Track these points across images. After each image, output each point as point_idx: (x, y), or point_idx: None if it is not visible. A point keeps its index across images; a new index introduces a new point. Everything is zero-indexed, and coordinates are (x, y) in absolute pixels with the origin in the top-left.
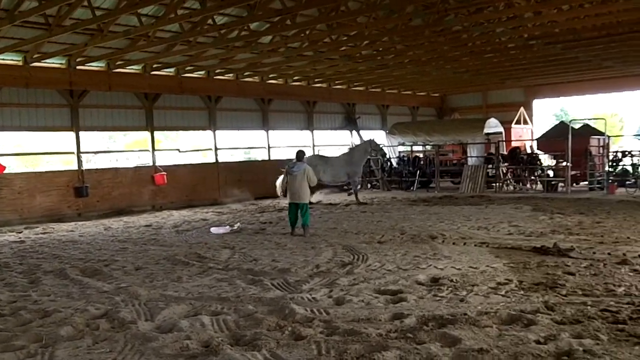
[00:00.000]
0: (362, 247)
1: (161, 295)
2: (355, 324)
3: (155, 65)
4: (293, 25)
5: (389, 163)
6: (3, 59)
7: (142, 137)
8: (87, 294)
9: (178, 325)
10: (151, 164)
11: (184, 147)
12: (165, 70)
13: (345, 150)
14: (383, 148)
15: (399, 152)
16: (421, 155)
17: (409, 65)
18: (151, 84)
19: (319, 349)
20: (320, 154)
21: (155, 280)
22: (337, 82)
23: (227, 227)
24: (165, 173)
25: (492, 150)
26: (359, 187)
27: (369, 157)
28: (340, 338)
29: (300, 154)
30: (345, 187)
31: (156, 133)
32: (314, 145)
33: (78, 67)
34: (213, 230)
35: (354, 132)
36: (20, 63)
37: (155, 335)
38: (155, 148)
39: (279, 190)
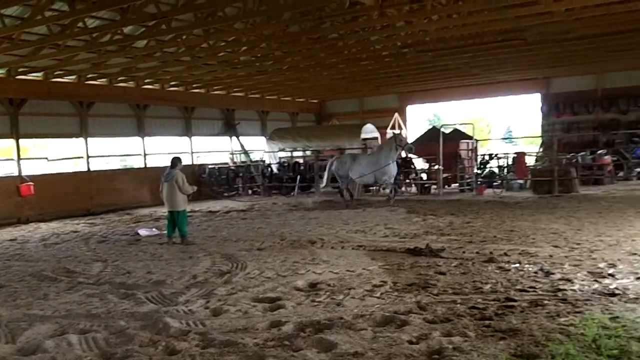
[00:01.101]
0: (241, 255)
1: (24, 315)
2: (232, 334)
3: (20, 69)
4: (169, 30)
5: (269, 169)
6: None
7: (6, 145)
8: None
9: (42, 346)
10: (16, 173)
11: (54, 155)
12: (32, 74)
13: (374, 149)
14: (408, 142)
15: (279, 158)
16: (301, 161)
17: (287, 72)
18: (16, 88)
19: None
20: (354, 153)
21: (19, 298)
22: (215, 87)
23: (154, 229)
24: (32, 183)
25: None
26: (393, 192)
27: (396, 153)
28: (216, 350)
29: (174, 161)
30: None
31: (23, 141)
32: (192, 152)
33: None
34: (141, 232)
35: (234, 138)
36: None
37: (17, 359)
38: (21, 157)
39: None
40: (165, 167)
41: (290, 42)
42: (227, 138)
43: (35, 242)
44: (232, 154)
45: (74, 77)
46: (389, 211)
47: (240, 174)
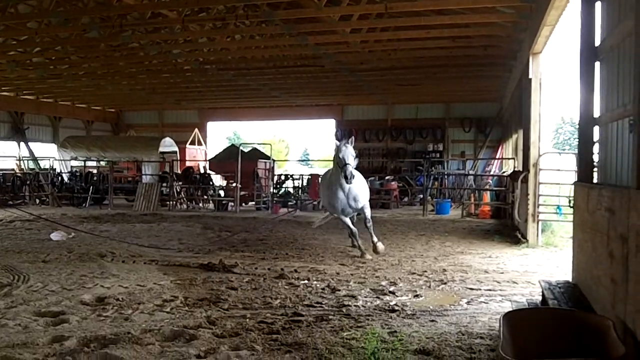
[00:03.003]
0: (24, 267)
1: None
2: (10, 349)
3: None
4: None
5: (60, 178)
6: None
7: None
8: None
9: None
10: None
11: None
12: None
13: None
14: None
15: (72, 167)
16: (95, 171)
17: (83, 78)
18: None
19: None
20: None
21: None
22: (3, 88)
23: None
24: None
25: (167, 169)
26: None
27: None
28: None
29: None
30: None
31: None
32: None
33: None
34: (52, 236)
35: (22, 143)
36: None
37: None
38: None
39: None
40: None
41: (88, 48)
42: (14, 143)
43: None
44: (19, 160)
45: None
46: (184, 226)
47: (28, 182)
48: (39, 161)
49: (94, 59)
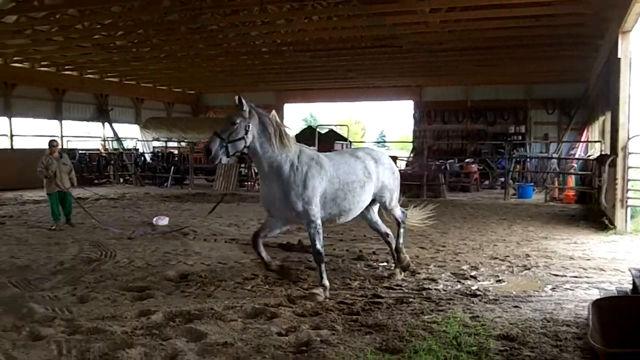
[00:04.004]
0: (110, 244)
1: None
2: (100, 321)
3: None
4: (40, 7)
5: (142, 158)
6: None
7: None
8: None
9: None
10: None
11: None
12: None
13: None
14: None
15: (153, 147)
16: (176, 152)
17: (165, 60)
18: None
19: (59, 348)
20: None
21: None
22: (89, 71)
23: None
24: None
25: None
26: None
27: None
28: (82, 337)
29: (53, 143)
30: None
31: None
32: (62, 136)
33: None
34: (156, 220)
35: (107, 124)
36: None
37: None
38: None
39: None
40: (37, 150)
41: (169, 31)
42: (99, 124)
43: None
44: (104, 140)
45: None
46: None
47: (112, 162)
48: (122, 141)
49: (174, 41)
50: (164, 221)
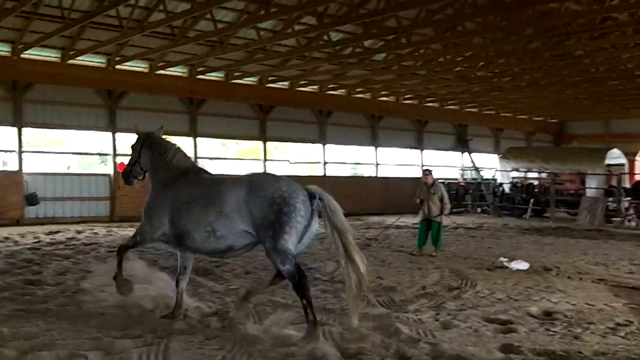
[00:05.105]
0: (470, 273)
1: (269, 301)
2: (462, 350)
3: (270, 78)
4: (407, 44)
5: (500, 188)
6: (131, 66)
7: (253, 147)
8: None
9: (284, 331)
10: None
11: (293, 159)
12: (279, 83)
13: None
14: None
15: (512, 177)
16: (535, 183)
17: (525, 89)
18: (266, 95)
19: None
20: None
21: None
22: (449, 102)
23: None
24: None
25: (614, 182)
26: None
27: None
28: None
29: (427, 173)
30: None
31: (268, 143)
32: (422, 165)
33: (198, 77)
34: (513, 265)
35: (465, 154)
36: (146, 70)
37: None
38: (267, 158)
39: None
40: (396, 178)
41: (531, 59)
42: (457, 153)
43: None
44: (462, 170)
45: (316, 87)
46: (635, 246)
47: (470, 191)
48: (480, 171)
49: (536, 69)
50: (522, 265)
